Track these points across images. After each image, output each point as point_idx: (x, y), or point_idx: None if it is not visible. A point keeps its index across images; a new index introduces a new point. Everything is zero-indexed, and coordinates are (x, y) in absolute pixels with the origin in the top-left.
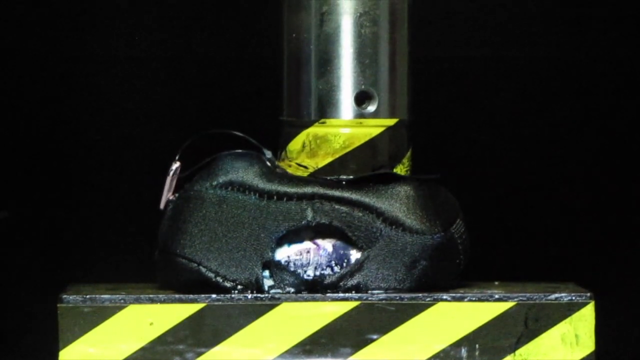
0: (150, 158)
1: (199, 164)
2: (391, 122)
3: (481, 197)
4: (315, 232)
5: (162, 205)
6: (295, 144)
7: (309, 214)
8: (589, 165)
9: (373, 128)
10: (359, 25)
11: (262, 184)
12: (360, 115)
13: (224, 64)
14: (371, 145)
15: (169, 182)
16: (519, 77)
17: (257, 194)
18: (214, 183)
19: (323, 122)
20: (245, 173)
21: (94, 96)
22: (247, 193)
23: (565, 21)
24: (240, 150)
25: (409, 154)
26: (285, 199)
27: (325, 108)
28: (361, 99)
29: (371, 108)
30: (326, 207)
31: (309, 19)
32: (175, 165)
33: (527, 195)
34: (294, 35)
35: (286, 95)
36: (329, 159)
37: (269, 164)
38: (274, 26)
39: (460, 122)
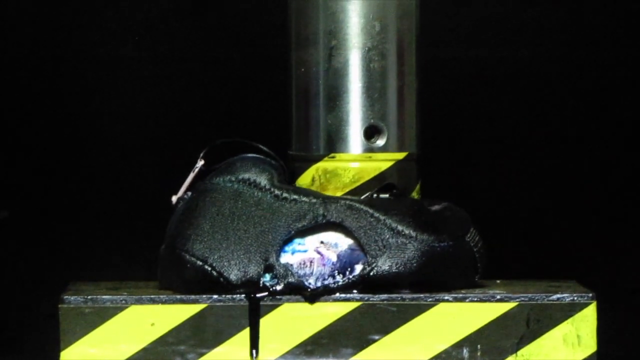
0: (152, 158)
1: (219, 164)
2: (400, 155)
3: (482, 196)
4: (324, 234)
5: (174, 200)
6: (304, 179)
7: (321, 211)
8: (591, 165)
9: (382, 162)
10: (367, 60)
11: (278, 189)
12: (369, 149)
13: (226, 65)
14: (381, 179)
15: (190, 179)
16: (519, 77)
17: (274, 195)
18: (233, 178)
19: (332, 157)
20: (264, 175)
21: (95, 96)
22: (263, 191)
23: (566, 21)
24: (263, 157)
25: (418, 187)
26: (298, 201)
27: (335, 142)
28: (370, 133)
29: (380, 142)
30: (339, 207)
31: (317, 53)
32: (200, 162)
33: (529, 194)
34: (302, 69)
35: (295, 129)
36: (339, 193)
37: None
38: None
39: (461, 123)
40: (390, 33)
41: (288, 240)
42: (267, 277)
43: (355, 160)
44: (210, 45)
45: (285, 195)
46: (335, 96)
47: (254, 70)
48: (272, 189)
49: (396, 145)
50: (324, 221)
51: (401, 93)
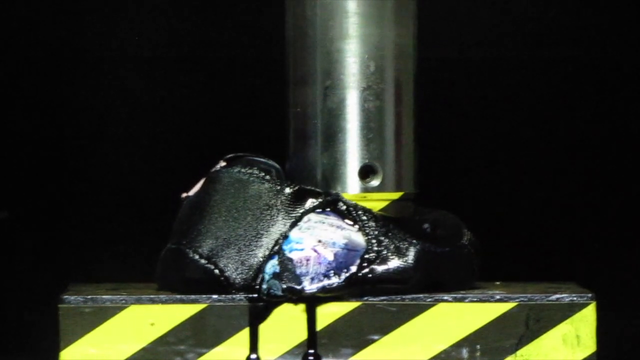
0: (152, 158)
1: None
2: (396, 195)
3: (482, 197)
4: (328, 223)
5: (183, 197)
6: None
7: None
8: (590, 166)
9: (377, 202)
10: (362, 100)
11: (290, 182)
12: (364, 189)
13: (226, 64)
14: None
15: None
16: (518, 77)
17: (285, 185)
18: (250, 170)
19: None
20: (271, 172)
21: (94, 96)
22: (275, 183)
23: (569, 21)
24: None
25: None
26: (310, 190)
27: (330, 182)
28: (365, 173)
29: (375, 182)
30: (349, 201)
31: (312, 93)
32: (223, 163)
33: (528, 195)
34: (298, 109)
35: (291, 168)
36: None
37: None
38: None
39: (460, 124)
40: (386, 73)
41: (297, 222)
42: (268, 275)
43: (350, 200)
44: (217, 48)
45: (296, 185)
46: (330, 136)
47: (255, 68)
48: (284, 182)
49: (392, 185)
50: (334, 198)
51: (398, 133)
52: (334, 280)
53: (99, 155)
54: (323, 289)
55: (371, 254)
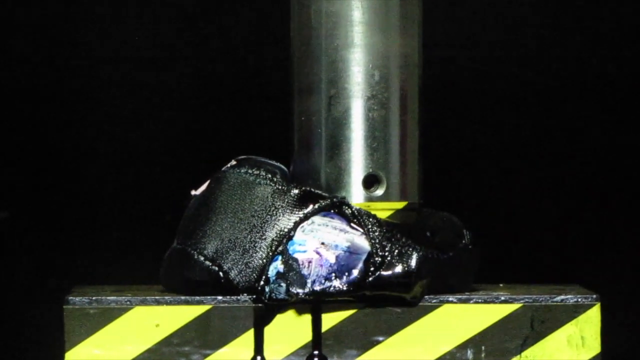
0: (154, 159)
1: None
2: (400, 205)
3: (485, 199)
4: (331, 226)
5: (193, 193)
6: None
7: (338, 197)
8: (594, 167)
9: (381, 211)
10: (367, 109)
11: (293, 184)
12: (368, 198)
13: (226, 63)
14: None
15: None
16: (517, 77)
17: (290, 186)
18: (256, 171)
19: None
20: (277, 173)
21: (95, 97)
22: (279, 184)
23: (568, 23)
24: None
25: None
26: (315, 192)
27: (334, 191)
28: (369, 182)
29: (379, 191)
30: (353, 206)
31: (317, 102)
32: (233, 162)
33: (531, 197)
34: (303, 118)
35: (295, 177)
36: None
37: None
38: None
39: (461, 125)
40: (391, 82)
41: (302, 222)
42: (272, 276)
43: None
44: (220, 49)
45: (302, 187)
46: (335, 145)
47: (256, 68)
48: (290, 184)
49: (396, 194)
50: (339, 202)
51: (402, 142)
52: (336, 284)
53: (101, 155)
54: (326, 293)
55: (377, 258)
